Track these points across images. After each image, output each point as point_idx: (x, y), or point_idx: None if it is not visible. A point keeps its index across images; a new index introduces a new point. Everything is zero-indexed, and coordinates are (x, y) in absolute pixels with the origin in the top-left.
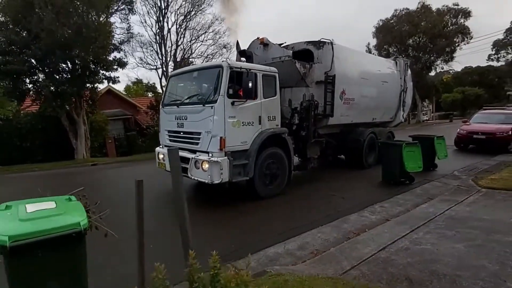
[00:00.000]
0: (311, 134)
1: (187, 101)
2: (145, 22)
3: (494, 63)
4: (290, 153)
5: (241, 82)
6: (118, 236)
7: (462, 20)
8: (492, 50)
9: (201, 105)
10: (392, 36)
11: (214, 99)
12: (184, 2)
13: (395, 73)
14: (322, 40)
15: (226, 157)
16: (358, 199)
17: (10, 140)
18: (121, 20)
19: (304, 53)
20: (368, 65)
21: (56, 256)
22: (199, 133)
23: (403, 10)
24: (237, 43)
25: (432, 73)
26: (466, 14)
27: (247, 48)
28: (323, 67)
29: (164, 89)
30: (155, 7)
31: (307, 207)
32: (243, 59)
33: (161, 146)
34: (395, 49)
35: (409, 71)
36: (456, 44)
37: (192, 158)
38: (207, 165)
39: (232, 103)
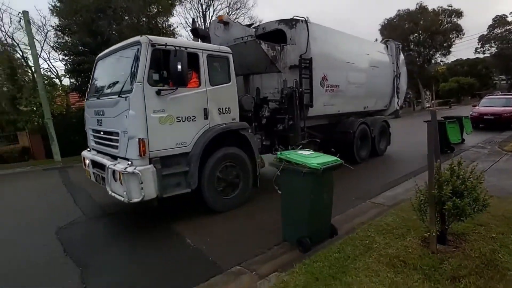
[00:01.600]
0: (298, 129)
1: (108, 91)
2: None
3: (480, 55)
4: (254, 153)
5: (169, 64)
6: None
7: (455, 19)
8: (478, 44)
9: (117, 96)
10: (396, 33)
11: (130, 88)
12: None
13: (386, 57)
14: (295, 17)
15: (151, 165)
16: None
17: (65, 133)
18: None
19: (277, 34)
20: (354, 48)
21: (327, 178)
22: (117, 134)
23: (404, 10)
24: (193, 20)
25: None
26: (459, 14)
27: (207, 29)
28: (297, 49)
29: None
30: None
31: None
32: (196, 39)
33: (88, 149)
34: (398, 45)
35: (401, 55)
36: (452, 40)
37: (107, 167)
38: (122, 178)
39: (158, 92)
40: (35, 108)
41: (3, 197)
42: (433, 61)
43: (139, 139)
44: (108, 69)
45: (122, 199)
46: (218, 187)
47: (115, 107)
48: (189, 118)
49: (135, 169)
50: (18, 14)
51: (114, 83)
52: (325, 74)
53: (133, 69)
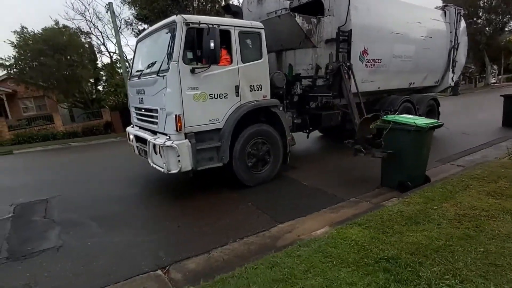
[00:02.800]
0: (354, 108)
1: (148, 70)
2: None
3: None
4: (285, 130)
5: (202, 43)
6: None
7: None
8: None
9: (155, 75)
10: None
11: (167, 67)
12: None
13: (442, 25)
14: None
15: (186, 140)
16: (490, 138)
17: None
18: None
19: (314, 5)
20: (403, 16)
21: (429, 135)
22: (157, 110)
23: None
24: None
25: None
26: None
27: (241, 5)
28: (335, 20)
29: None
30: None
31: None
32: (228, 15)
33: (132, 125)
34: (466, 12)
35: (462, 23)
36: None
37: (149, 141)
38: (161, 151)
39: (192, 71)
40: (112, 90)
41: (109, 158)
42: (506, 29)
43: (175, 115)
44: (147, 50)
45: (162, 170)
46: (248, 162)
47: (154, 85)
48: (221, 95)
49: (173, 143)
50: (105, 6)
51: (153, 63)
52: (365, 48)
53: (169, 49)
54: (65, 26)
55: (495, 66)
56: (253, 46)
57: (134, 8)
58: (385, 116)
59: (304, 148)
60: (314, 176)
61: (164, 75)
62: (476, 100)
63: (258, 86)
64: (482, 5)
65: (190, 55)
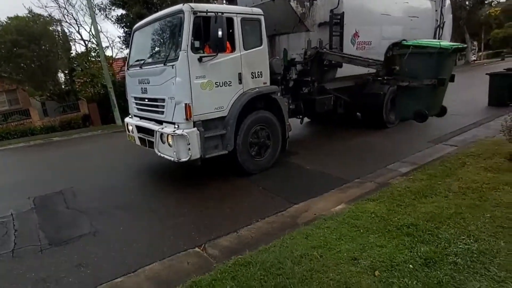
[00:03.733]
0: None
1: (150, 60)
2: None
3: None
4: (284, 116)
5: (209, 31)
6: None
7: None
8: None
9: (162, 65)
10: None
11: (176, 56)
12: None
13: (428, 4)
14: None
15: (195, 128)
16: (477, 118)
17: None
18: None
19: None
20: None
21: (451, 60)
22: (163, 100)
23: None
24: None
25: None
26: None
27: None
28: (328, 3)
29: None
30: None
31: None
32: (222, 1)
33: (130, 116)
34: None
35: (447, 0)
36: None
37: (156, 131)
38: (171, 140)
39: (200, 59)
40: (89, 80)
41: (102, 151)
42: (486, 1)
43: (185, 104)
44: (148, 39)
45: (172, 158)
46: (250, 150)
47: (161, 75)
48: (225, 83)
49: (183, 131)
50: None
51: (157, 52)
52: (357, 30)
53: (177, 38)
54: (38, 15)
55: (475, 43)
56: (253, 33)
57: None
58: (404, 42)
59: (302, 134)
60: (316, 160)
61: (173, 65)
62: (457, 80)
63: (259, 73)
64: None
65: (197, 43)
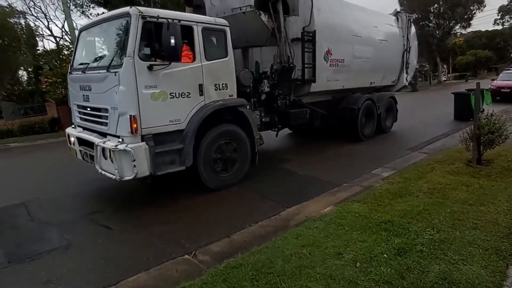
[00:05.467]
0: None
1: (94, 65)
2: None
3: (499, 27)
4: (252, 130)
5: (161, 38)
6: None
7: None
8: (498, 15)
9: (105, 71)
10: (416, 4)
11: (120, 63)
12: None
13: (396, 30)
14: None
15: (143, 143)
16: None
17: None
18: None
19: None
20: (362, 20)
21: None
22: (107, 110)
23: None
24: None
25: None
26: None
27: None
28: (300, 20)
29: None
30: None
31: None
32: (189, 9)
33: (73, 126)
34: (419, 16)
35: (413, 28)
36: (473, 12)
37: (96, 144)
38: (113, 155)
39: (150, 68)
40: (59, 80)
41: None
42: (452, 33)
43: (130, 115)
44: (94, 42)
45: (114, 177)
46: (214, 165)
47: (104, 82)
48: (183, 94)
49: (126, 146)
50: None
51: (101, 57)
52: (329, 48)
53: (122, 43)
54: None
55: (445, 66)
56: (217, 43)
57: None
58: None
59: (293, 143)
60: (307, 166)
61: (117, 72)
62: (431, 96)
63: (224, 85)
64: (432, 10)
65: (147, 50)
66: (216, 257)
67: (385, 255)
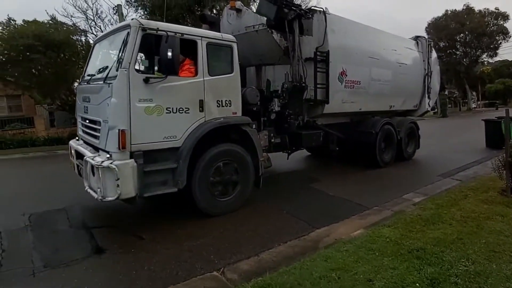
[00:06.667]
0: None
1: (98, 76)
2: None
3: None
4: (257, 151)
5: (159, 51)
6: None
7: (502, 22)
8: None
9: (102, 82)
10: (443, 33)
11: (115, 74)
12: None
13: (416, 54)
14: (312, 8)
15: (131, 160)
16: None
17: None
18: None
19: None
20: (379, 43)
21: None
22: (100, 123)
23: (452, 11)
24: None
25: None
26: (505, 17)
27: (221, 16)
28: (314, 41)
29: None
30: None
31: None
32: (205, 26)
33: (76, 138)
34: (446, 44)
35: (434, 53)
36: (499, 42)
37: (85, 159)
38: (97, 172)
39: (146, 80)
40: None
41: None
42: (479, 61)
43: (119, 130)
44: (102, 53)
45: (96, 196)
46: (212, 188)
47: (99, 93)
48: (181, 109)
49: (111, 163)
50: (114, 7)
51: (104, 68)
52: (344, 69)
53: (120, 54)
54: (62, 23)
55: (474, 93)
56: (223, 59)
57: (144, 12)
58: None
59: (322, 163)
60: (336, 187)
61: (110, 83)
62: (461, 122)
63: (227, 102)
64: (458, 39)
65: (145, 63)
66: (245, 275)
67: (417, 284)
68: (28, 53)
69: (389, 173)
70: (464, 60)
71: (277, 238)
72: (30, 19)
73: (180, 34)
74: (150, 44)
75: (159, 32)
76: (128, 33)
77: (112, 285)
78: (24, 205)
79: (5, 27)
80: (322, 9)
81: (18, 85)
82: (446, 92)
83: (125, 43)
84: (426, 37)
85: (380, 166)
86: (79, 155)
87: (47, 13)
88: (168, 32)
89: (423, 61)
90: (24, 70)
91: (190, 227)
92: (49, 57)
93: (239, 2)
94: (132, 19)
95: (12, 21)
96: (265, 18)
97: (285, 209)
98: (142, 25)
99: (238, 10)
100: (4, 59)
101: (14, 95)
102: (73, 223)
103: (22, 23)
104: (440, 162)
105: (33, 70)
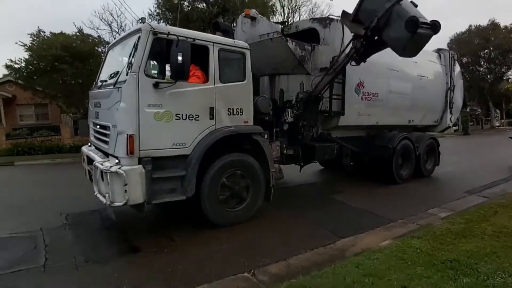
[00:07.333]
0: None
1: (110, 81)
2: None
3: None
4: (268, 161)
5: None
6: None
7: None
8: None
9: (111, 87)
10: (466, 49)
11: (125, 79)
12: None
13: (438, 67)
14: (330, 16)
15: (139, 166)
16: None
17: None
18: None
19: (311, 34)
20: None
21: None
22: (109, 128)
23: (475, 27)
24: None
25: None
26: None
27: (235, 25)
28: (330, 50)
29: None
30: None
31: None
32: (218, 34)
33: (89, 144)
34: (469, 60)
35: (457, 67)
36: None
37: (94, 164)
38: (105, 178)
39: (155, 85)
40: None
41: None
42: (504, 78)
43: (127, 135)
44: (114, 59)
45: (104, 201)
46: (220, 198)
47: (109, 98)
48: (191, 116)
49: (119, 168)
50: (138, 20)
51: (115, 74)
52: (361, 80)
53: (130, 58)
54: (88, 35)
55: (497, 111)
56: (235, 66)
57: (166, 25)
58: None
59: (343, 175)
60: (360, 200)
61: (120, 87)
62: (485, 140)
63: (238, 110)
64: (482, 55)
65: (155, 68)
66: (275, 278)
67: None
68: (56, 64)
69: (409, 188)
70: (488, 76)
71: (303, 245)
72: (56, 31)
73: (191, 39)
74: (161, 48)
75: (170, 36)
76: (139, 37)
77: (150, 280)
78: (60, 206)
79: (35, 38)
80: (339, 18)
81: (46, 94)
82: (468, 109)
83: (135, 47)
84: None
85: (397, 182)
86: (91, 161)
87: (75, 25)
88: (179, 36)
89: (446, 74)
90: (52, 80)
91: (217, 232)
92: (76, 68)
93: (254, 10)
94: (144, 23)
95: (41, 33)
96: (280, 26)
97: (311, 219)
98: (153, 29)
99: (253, 18)
100: (33, 68)
101: (42, 104)
102: (106, 223)
103: (49, 35)
104: (463, 179)
105: (60, 80)
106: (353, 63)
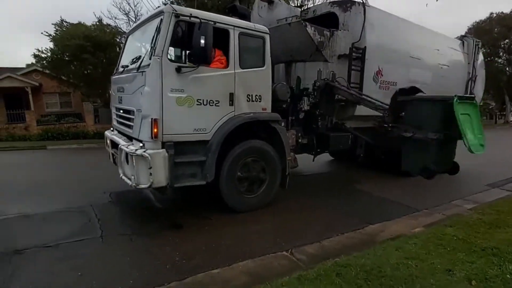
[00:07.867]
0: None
1: (132, 66)
2: None
3: None
4: (285, 149)
5: (192, 38)
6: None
7: None
8: None
9: (135, 71)
10: (485, 38)
11: (148, 63)
12: None
13: (460, 55)
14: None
15: (163, 150)
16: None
17: None
18: None
19: (330, 19)
20: (422, 41)
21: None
22: (133, 112)
23: (497, 14)
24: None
25: None
26: None
27: (251, 10)
28: (350, 36)
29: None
30: None
31: None
32: (235, 17)
33: (111, 129)
34: (487, 50)
35: (480, 55)
36: None
37: (120, 147)
38: (131, 160)
39: (178, 70)
40: None
41: None
42: None
43: (152, 119)
44: (135, 44)
45: (130, 183)
46: (238, 184)
47: (133, 82)
48: (211, 102)
49: (144, 151)
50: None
51: (137, 58)
52: (380, 68)
53: (153, 42)
54: (108, 25)
55: None
56: (255, 51)
57: None
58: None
59: (355, 166)
60: (380, 190)
61: (144, 71)
62: (499, 135)
63: (257, 97)
64: (502, 45)
65: (178, 51)
66: (312, 258)
67: (501, 278)
68: (78, 53)
69: (425, 180)
70: (507, 68)
71: (332, 230)
72: (74, 21)
73: (213, 22)
74: (183, 31)
75: (192, 18)
76: (161, 20)
77: (198, 252)
78: (101, 185)
79: (58, 27)
80: (361, 1)
81: (69, 83)
82: (481, 103)
83: (158, 30)
84: None
85: (411, 174)
86: (114, 145)
87: (95, 15)
88: (201, 19)
89: (468, 63)
90: (75, 69)
91: (253, 213)
92: (97, 57)
93: None
94: (165, 4)
95: (64, 23)
96: (300, 10)
97: (337, 206)
98: (175, 11)
99: (270, 2)
100: (59, 57)
101: (65, 92)
102: (147, 202)
103: (69, 25)
104: (481, 173)
105: (83, 69)
106: None
